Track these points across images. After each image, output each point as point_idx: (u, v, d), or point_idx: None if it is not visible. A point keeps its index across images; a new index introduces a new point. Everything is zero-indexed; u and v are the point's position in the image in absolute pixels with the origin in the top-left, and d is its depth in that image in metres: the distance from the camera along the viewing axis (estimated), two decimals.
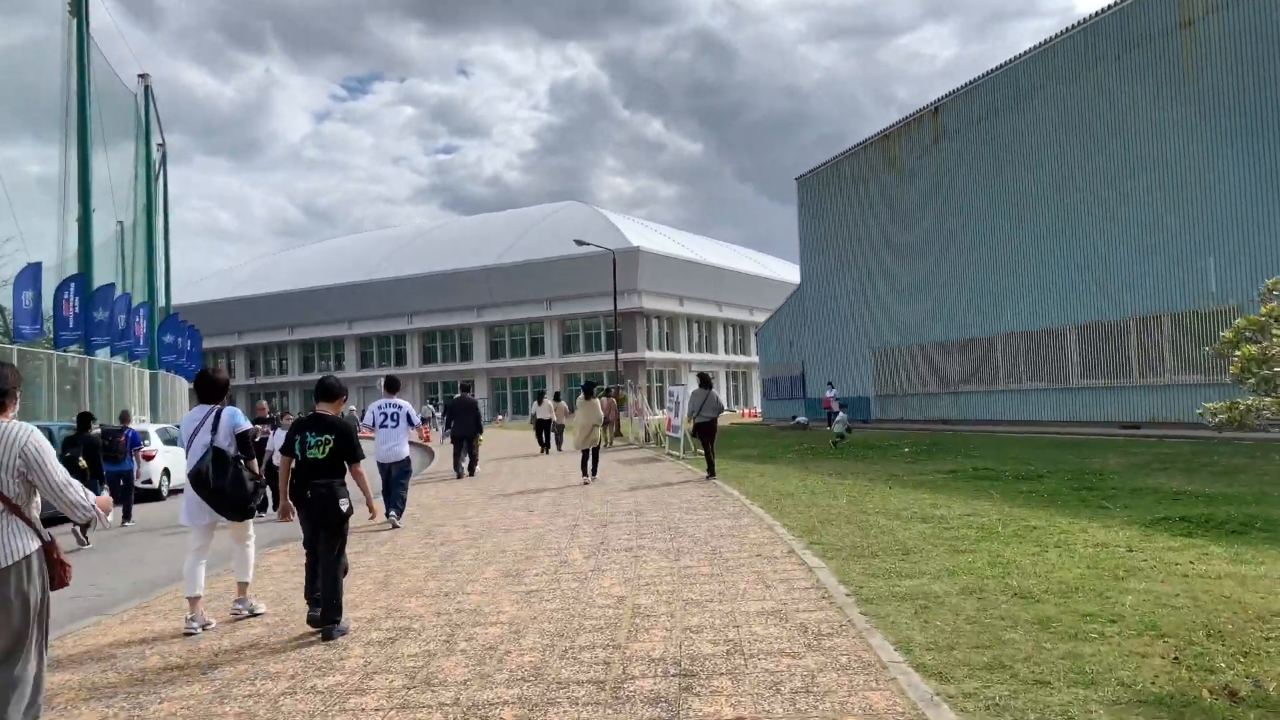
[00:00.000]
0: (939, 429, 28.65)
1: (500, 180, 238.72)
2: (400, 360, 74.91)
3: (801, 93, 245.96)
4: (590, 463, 16.35)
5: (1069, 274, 25.21)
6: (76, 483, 4.12)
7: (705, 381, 16.59)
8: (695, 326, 72.11)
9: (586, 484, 15.77)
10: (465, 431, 18.63)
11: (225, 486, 6.60)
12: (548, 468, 20.51)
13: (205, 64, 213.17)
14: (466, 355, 71.94)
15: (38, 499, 4.12)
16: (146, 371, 32.39)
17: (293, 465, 6.46)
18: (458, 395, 18.98)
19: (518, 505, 13.10)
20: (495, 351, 71.01)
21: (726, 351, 75.24)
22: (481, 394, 69.31)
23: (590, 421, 16.48)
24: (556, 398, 28.95)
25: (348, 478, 6.48)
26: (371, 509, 7.16)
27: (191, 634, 6.37)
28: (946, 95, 30.29)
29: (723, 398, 73.22)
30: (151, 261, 36.65)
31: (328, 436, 6.34)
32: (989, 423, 28.23)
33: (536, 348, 69.21)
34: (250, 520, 6.93)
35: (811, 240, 39.85)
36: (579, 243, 34.66)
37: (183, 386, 39.43)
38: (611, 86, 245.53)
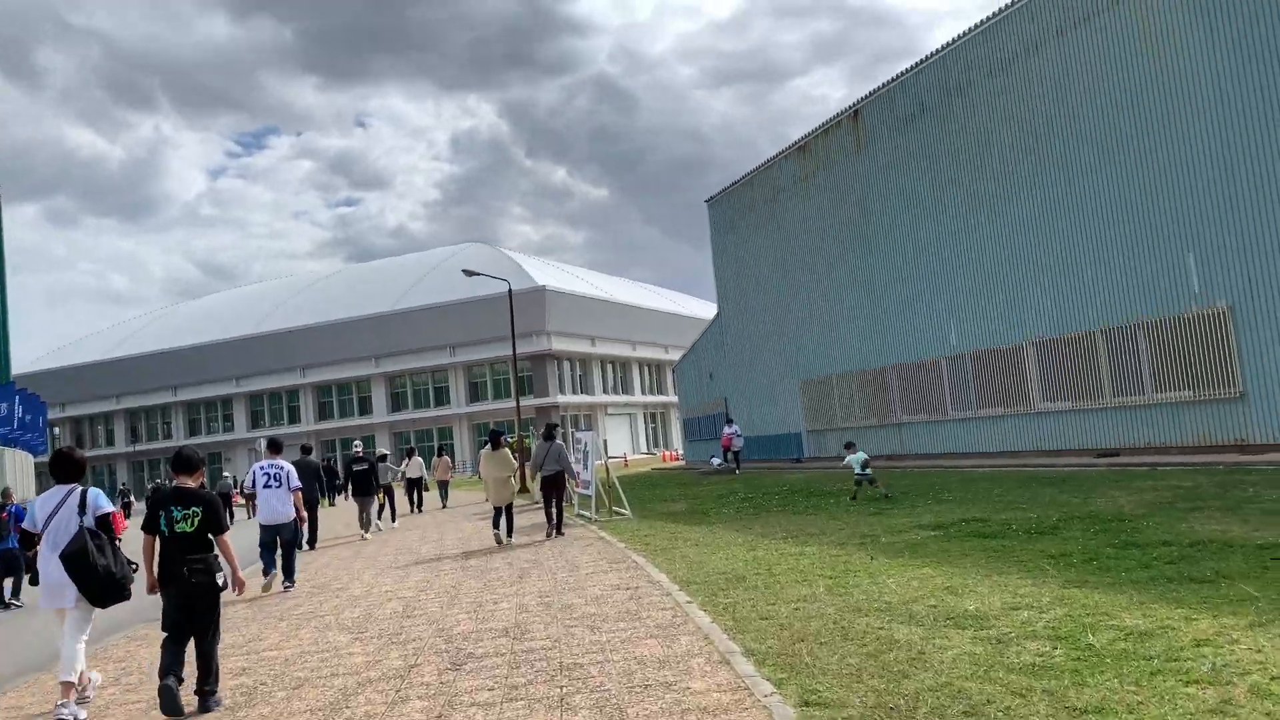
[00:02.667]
0: (883, 466, 25.36)
1: (405, 231, 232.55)
2: (294, 418, 69.40)
3: (701, 136, 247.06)
4: (506, 521, 14.53)
5: (1022, 283, 22.38)
6: None
7: (549, 433, 15.55)
8: (610, 368, 68.57)
9: (499, 545, 14.23)
10: (308, 496, 15.55)
11: (111, 567, 6.32)
12: (425, 541, 16.46)
13: (91, 124, 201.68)
14: (365, 409, 66.88)
15: None
16: None
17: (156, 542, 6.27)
18: (298, 458, 15.85)
19: (351, 615, 9.12)
20: (397, 403, 66.16)
21: (643, 392, 71.81)
22: (385, 448, 64.12)
23: (501, 474, 14.68)
24: (440, 452, 25.92)
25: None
26: (238, 583, 6.63)
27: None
28: (868, 95, 27.56)
29: (637, 441, 69.59)
30: None
31: (195, 509, 6.23)
32: (938, 457, 25.16)
33: (441, 397, 64.65)
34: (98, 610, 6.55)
35: (727, 265, 36.72)
36: (468, 273, 30.71)
37: (18, 460, 34.00)
38: (513, 136, 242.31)
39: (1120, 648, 5.55)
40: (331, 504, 32.46)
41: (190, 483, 6.45)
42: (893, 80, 26.48)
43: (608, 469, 18.05)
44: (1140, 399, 19.36)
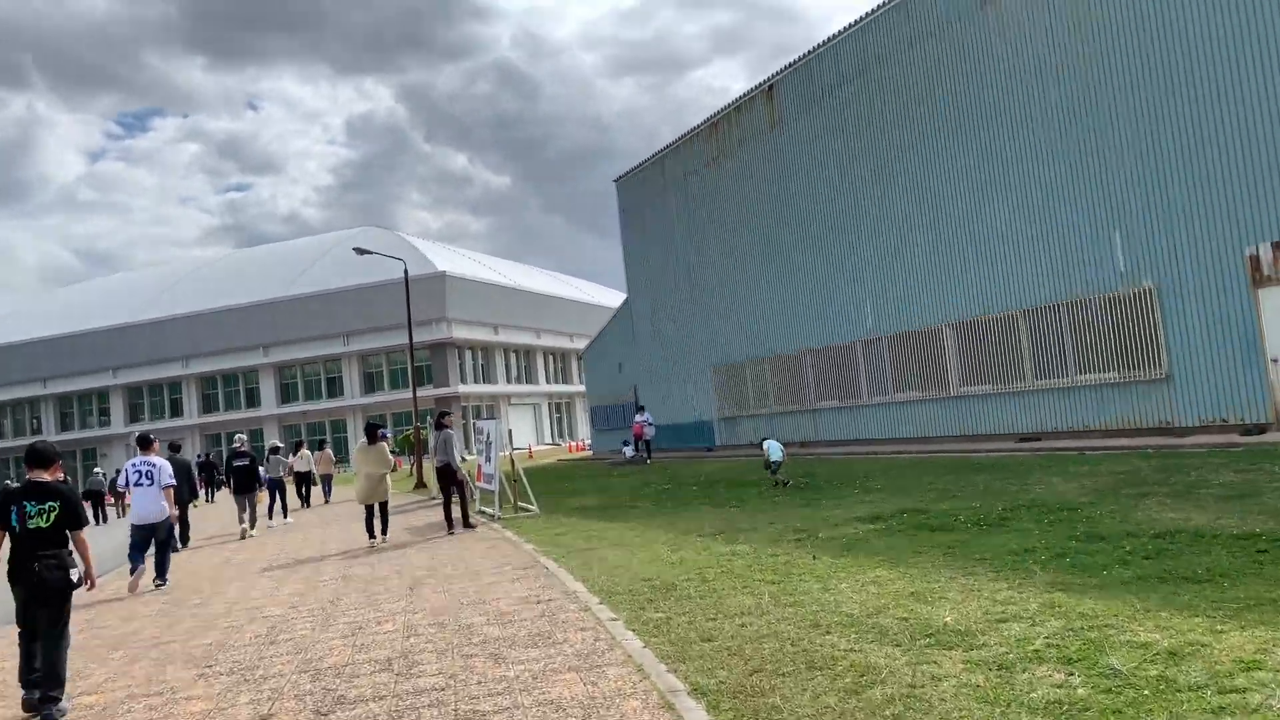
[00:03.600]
0: (798, 453, 24.58)
1: (298, 217, 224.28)
2: (176, 411, 65.55)
3: (604, 125, 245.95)
4: (380, 521, 13.90)
5: (941, 264, 21.76)
6: None
7: (439, 422, 14.98)
8: (513, 356, 66.73)
9: (373, 547, 13.44)
10: (178, 495, 14.19)
11: None
12: (307, 543, 14.80)
13: None
14: (253, 401, 63.52)
15: None
16: None
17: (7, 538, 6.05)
18: (167, 455, 14.45)
19: (202, 642, 7.55)
20: (287, 395, 62.99)
21: (548, 381, 70.22)
22: (278, 441, 60.97)
23: (376, 470, 13.94)
24: (320, 445, 25.19)
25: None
26: (91, 580, 6.29)
27: None
28: (781, 70, 26.64)
29: (541, 431, 68.04)
30: None
31: (52, 504, 6.02)
32: (855, 443, 24.46)
33: (334, 388, 61.82)
34: None
35: (636, 248, 35.49)
36: (360, 251, 28.69)
37: None
38: (411, 120, 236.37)
39: (1153, 674, 4.50)
40: (210, 500, 30.34)
41: (46, 476, 6.23)
42: (808, 54, 25.61)
43: (512, 460, 16.63)
44: (1063, 381, 18.89)
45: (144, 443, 12.19)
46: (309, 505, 23.85)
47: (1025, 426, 19.77)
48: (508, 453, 16.66)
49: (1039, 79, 19.02)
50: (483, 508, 17.00)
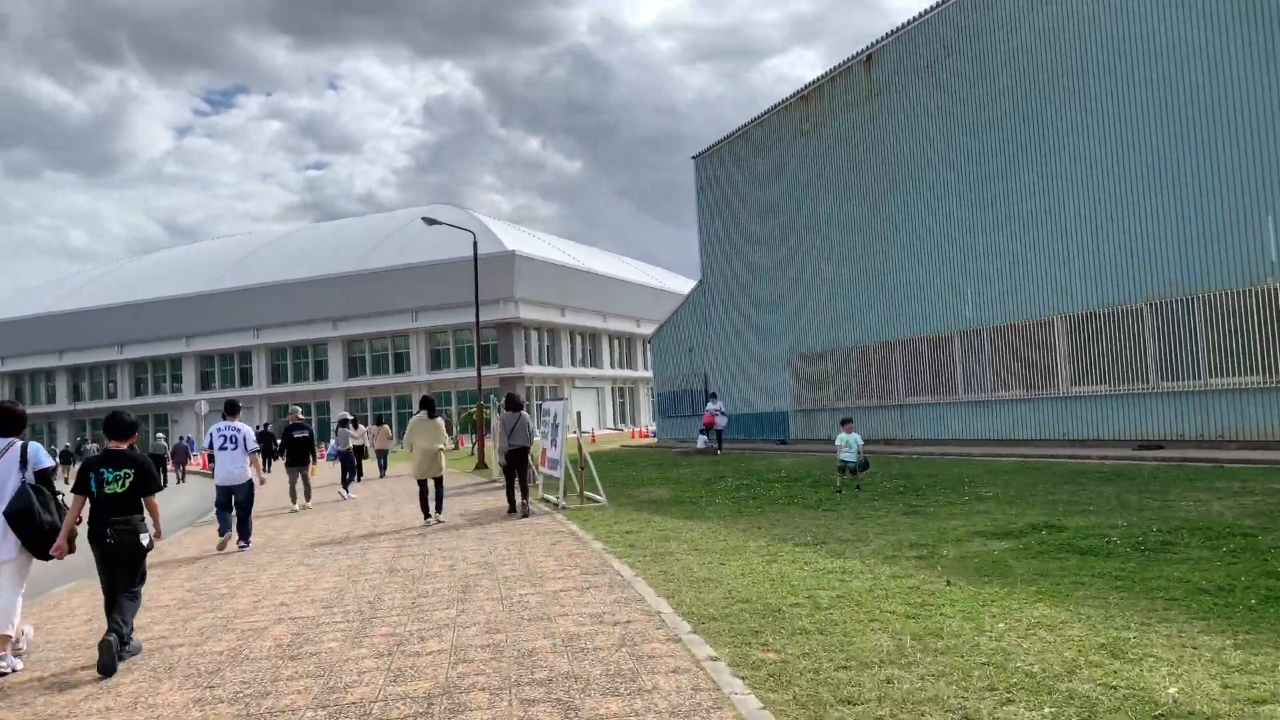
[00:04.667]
0: (881, 451, 22.82)
1: (374, 197, 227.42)
2: (245, 380, 65.90)
3: (676, 112, 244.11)
4: (434, 499, 13.60)
5: (1055, 250, 19.81)
6: None
7: (514, 403, 14.31)
8: (579, 339, 65.63)
9: (427, 525, 13.04)
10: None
11: (56, 521, 6.41)
12: (357, 522, 13.68)
13: (54, 75, 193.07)
14: (321, 373, 63.51)
15: None
16: None
17: (86, 503, 6.40)
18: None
19: (214, 650, 6.33)
20: (354, 368, 62.81)
21: (612, 365, 69.02)
22: (346, 414, 60.71)
23: (432, 444, 13.63)
24: (379, 421, 24.78)
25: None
26: (158, 534, 6.60)
27: (3, 674, 6.07)
28: (883, 39, 24.78)
29: (604, 416, 66.93)
30: None
31: (127, 471, 6.38)
32: (944, 443, 22.65)
33: (401, 363, 61.41)
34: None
35: (714, 227, 33.90)
36: (428, 221, 27.64)
37: None
38: (487, 104, 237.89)
39: None
40: (267, 470, 29.96)
41: (122, 445, 6.52)
42: (911, 22, 23.71)
43: (580, 446, 15.28)
44: (1193, 384, 16.89)
45: (231, 409, 12.71)
46: (358, 479, 23.03)
47: (1145, 433, 17.80)
48: (576, 435, 15.32)
49: (1184, 43, 16.96)
50: (545, 495, 15.73)
